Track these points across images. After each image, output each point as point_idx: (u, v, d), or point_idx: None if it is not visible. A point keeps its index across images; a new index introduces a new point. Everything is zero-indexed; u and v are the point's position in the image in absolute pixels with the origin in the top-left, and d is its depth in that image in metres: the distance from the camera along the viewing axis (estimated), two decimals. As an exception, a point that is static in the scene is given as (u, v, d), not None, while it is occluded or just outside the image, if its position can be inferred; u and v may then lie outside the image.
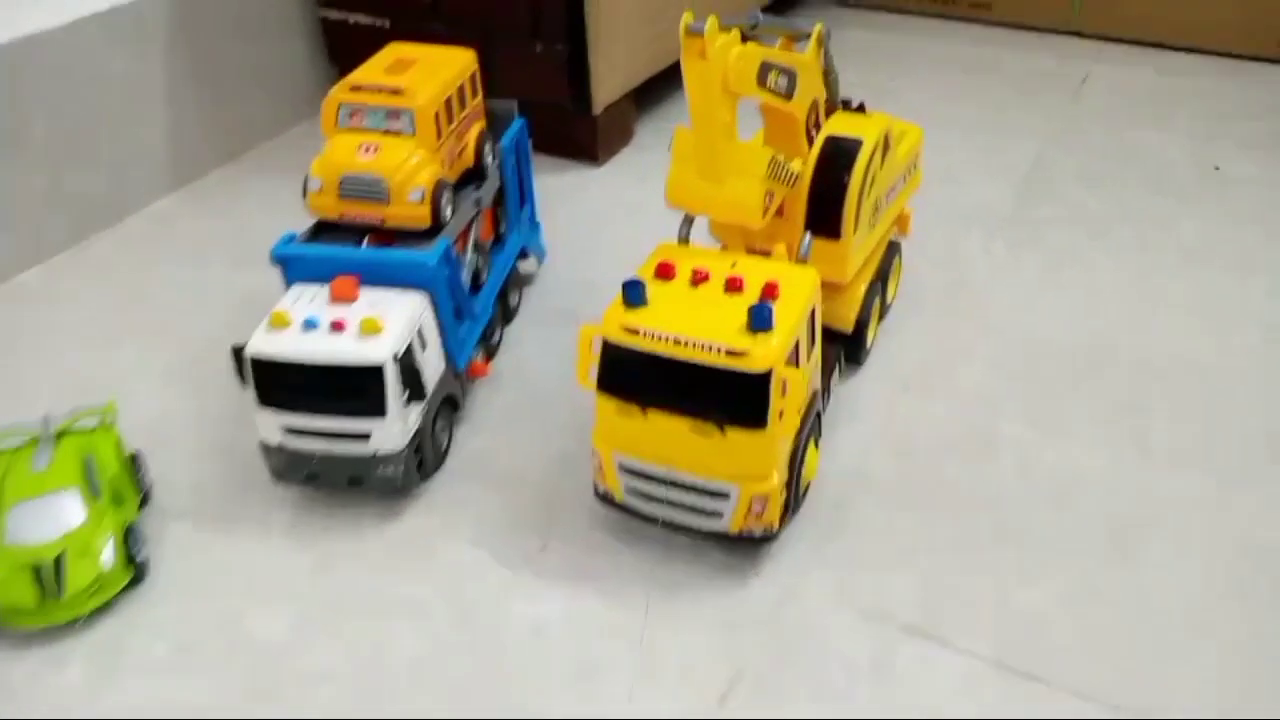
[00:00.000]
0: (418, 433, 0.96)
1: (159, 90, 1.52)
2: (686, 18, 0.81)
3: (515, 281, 1.24)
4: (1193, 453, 1.03)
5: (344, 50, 1.67)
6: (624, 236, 1.39)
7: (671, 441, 0.85)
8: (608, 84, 1.51)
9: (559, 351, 1.13)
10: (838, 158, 1.00)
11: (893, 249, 1.19)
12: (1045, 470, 1.01)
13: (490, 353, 1.16)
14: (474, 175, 1.13)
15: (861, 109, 1.11)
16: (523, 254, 1.27)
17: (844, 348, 1.10)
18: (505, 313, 1.22)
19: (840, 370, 1.09)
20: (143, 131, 1.51)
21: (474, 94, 1.12)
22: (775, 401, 0.82)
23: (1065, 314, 1.24)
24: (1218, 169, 1.55)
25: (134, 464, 0.99)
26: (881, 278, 1.14)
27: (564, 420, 1.07)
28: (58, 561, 0.86)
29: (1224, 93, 1.78)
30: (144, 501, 0.99)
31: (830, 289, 1.05)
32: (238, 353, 0.92)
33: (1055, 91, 1.81)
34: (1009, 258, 1.35)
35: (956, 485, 1.00)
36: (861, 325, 1.10)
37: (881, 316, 1.20)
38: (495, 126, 1.18)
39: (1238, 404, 1.09)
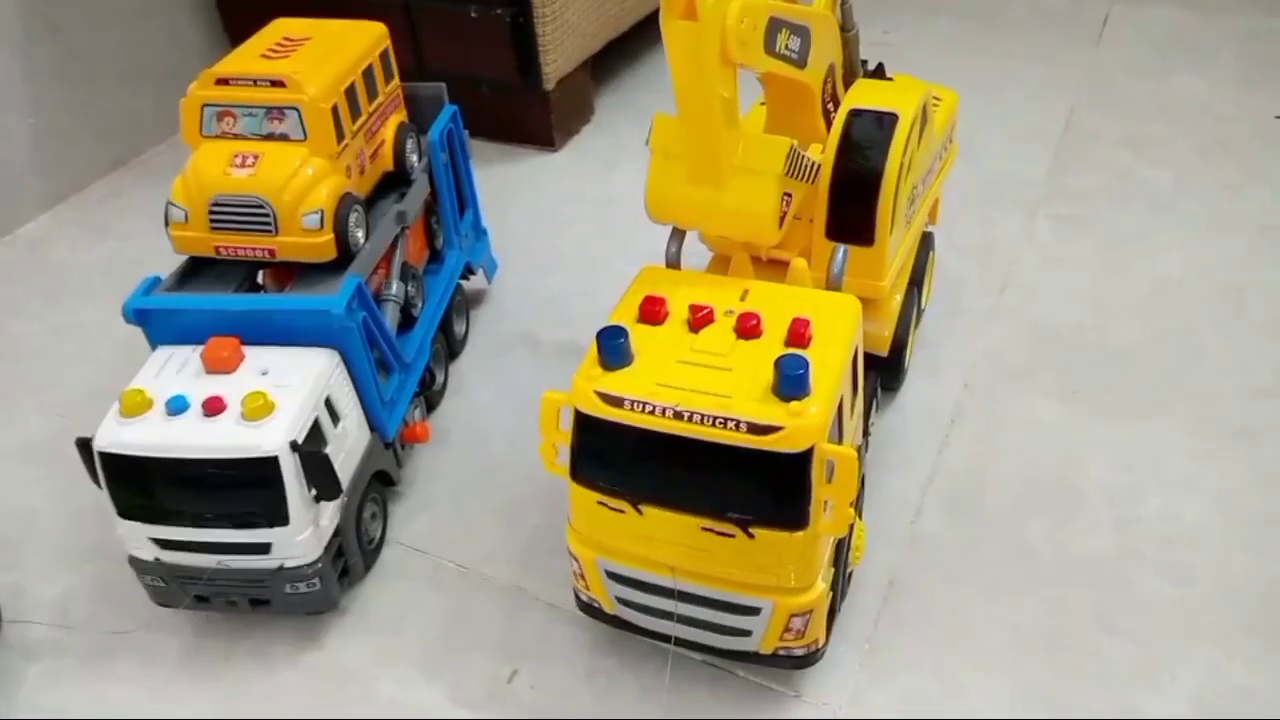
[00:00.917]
0: (337, 533, 0.72)
1: (18, 93, 1.27)
2: (666, -40, 0.57)
3: (459, 307, 1.01)
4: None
5: (242, 29, 1.40)
6: (591, 236, 1.19)
7: (677, 545, 0.63)
8: (560, 53, 1.28)
9: (519, 392, 0.93)
10: (866, 138, 0.76)
11: (926, 244, 0.97)
12: (1149, 526, 0.81)
13: (432, 405, 0.94)
14: (396, 181, 0.89)
15: (881, 72, 0.88)
16: (468, 271, 1.04)
17: (879, 374, 0.87)
18: (449, 348, 0.99)
19: (878, 404, 0.87)
20: (3, 141, 1.25)
21: (387, 78, 0.87)
22: (818, 490, 0.59)
23: (1135, 311, 1.03)
24: (1279, 118, 1.33)
25: (-36, 595, 0.75)
26: (916, 282, 0.92)
27: (532, 488, 0.85)
28: None
29: (1265, 29, 1.56)
30: (-17, 644, 0.75)
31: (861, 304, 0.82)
32: (85, 446, 0.68)
33: (1074, 36, 1.59)
34: (1055, 242, 1.14)
35: (1038, 552, 0.79)
36: (899, 345, 0.88)
37: (916, 325, 0.97)
38: (421, 116, 0.94)
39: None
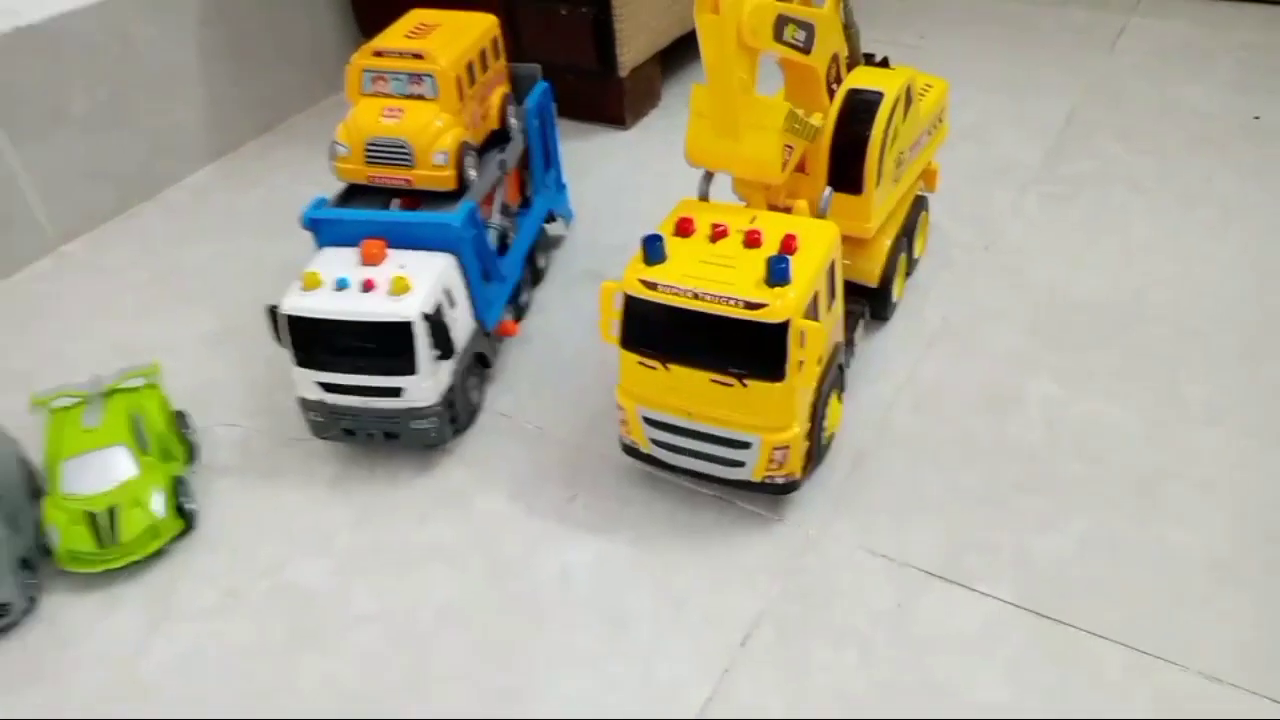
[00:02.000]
0: (450, 389, 0.98)
1: (192, 65, 1.55)
2: (700, -29, 0.82)
3: (543, 244, 1.26)
4: (1227, 410, 1.02)
5: (371, 18, 1.69)
6: (650, 200, 1.39)
7: (693, 393, 0.87)
8: (633, 46, 1.51)
9: (586, 313, 1.15)
10: (858, 111, 1.00)
11: (919, 204, 1.19)
12: (1072, 425, 1.02)
13: (519, 314, 1.19)
14: (499, 138, 1.15)
15: (885, 64, 1.11)
16: (550, 217, 1.29)
17: (869, 303, 1.10)
18: (534, 275, 1.24)
19: (865, 325, 1.10)
20: (178, 105, 1.55)
21: (496, 58, 1.13)
22: (793, 353, 0.83)
23: (1099, 271, 1.22)
24: (1258, 119, 1.52)
25: (180, 422, 1.03)
26: (907, 233, 1.15)
27: (591, 379, 1.09)
28: (111, 511, 0.91)
29: (1265, 43, 1.74)
30: (191, 458, 1.03)
31: (854, 244, 1.06)
32: (273, 311, 0.95)
33: (1090, 45, 1.77)
34: (1041, 214, 1.35)
35: (981, 439, 1.01)
36: (886, 280, 1.10)
37: (909, 272, 1.20)
38: (519, 90, 1.20)
39: (1278, 363, 1.08)
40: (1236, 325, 1.12)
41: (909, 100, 1.05)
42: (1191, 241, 1.27)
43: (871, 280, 1.09)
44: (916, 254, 1.22)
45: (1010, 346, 1.12)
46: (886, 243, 1.09)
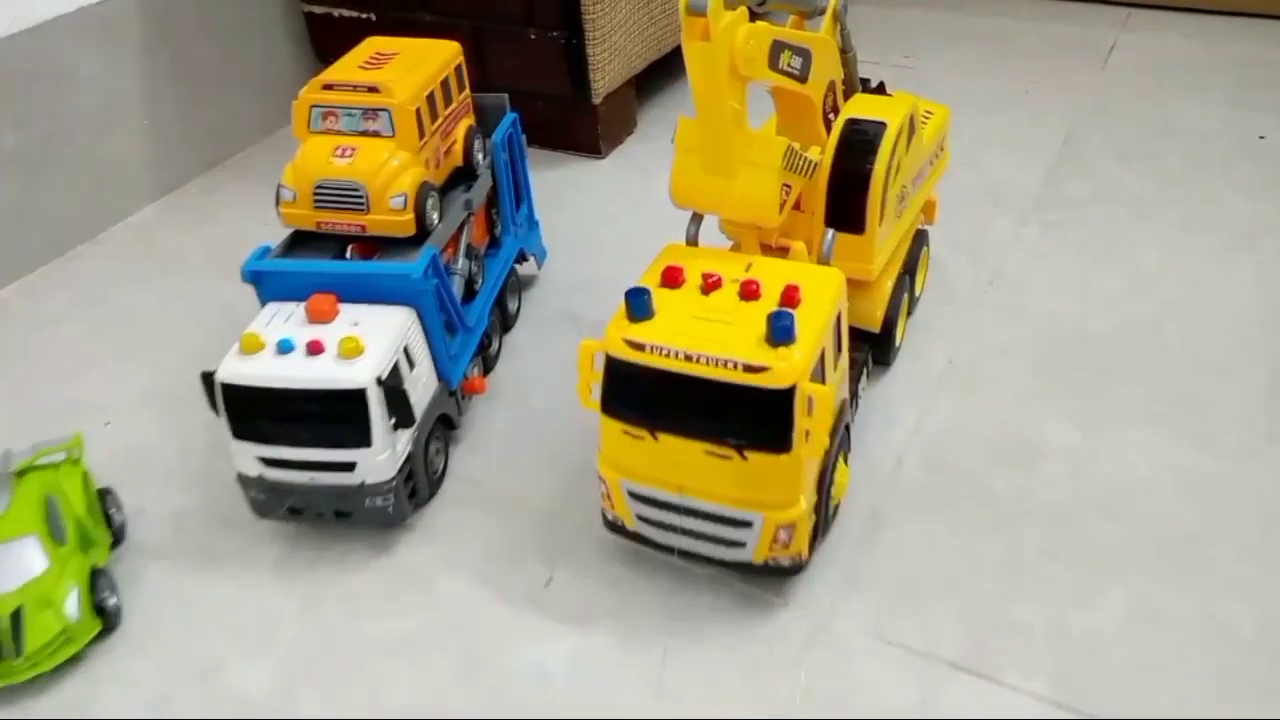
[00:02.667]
0: (408, 459, 0.88)
1: (134, 95, 1.45)
2: (687, -6, 0.72)
3: (513, 286, 1.16)
4: (1260, 452, 0.94)
5: (330, 46, 1.58)
6: (630, 233, 1.33)
7: (686, 466, 0.77)
8: (608, 72, 1.42)
9: (562, 360, 1.05)
10: (859, 144, 0.91)
11: (920, 239, 1.10)
12: (1096, 478, 0.93)
13: (488, 365, 1.08)
14: (464, 175, 1.05)
15: (882, 89, 1.02)
16: (521, 256, 1.19)
17: (872, 348, 1.01)
18: (504, 320, 1.14)
19: (868, 373, 1.00)
20: (119, 138, 1.44)
21: (460, 88, 1.03)
22: (800, 421, 0.73)
23: (1109, 302, 1.14)
24: (1263, 139, 1.45)
25: (104, 501, 0.92)
26: (909, 271, 1.06)
27: (570, 437, 0.99)
28: (15, 616, 0.79)
29: (1263, 57, 1.68)
30: (116, 542, 0.91)
31: (856, 286, 0.96)
32: (208, 379, 0.84)
33: (1082, 62, 1.71)
34: (1044, 242, 1.26)
35: (999, 497, 0.92)
36: (890, 323, 1.01)
37: (910, 312, 1.11)
38: (486, 122, 1.10)
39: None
40: (1265, 359, 1.04)
41: (912, 130, 0.96)
42: (1202, 267, 1.19)
43: (874, 325, 1.00)
44: (918, 291, 1.13)
45: (1022, 387, 1.03)
46: (889, 284, 1.00)
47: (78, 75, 1.37)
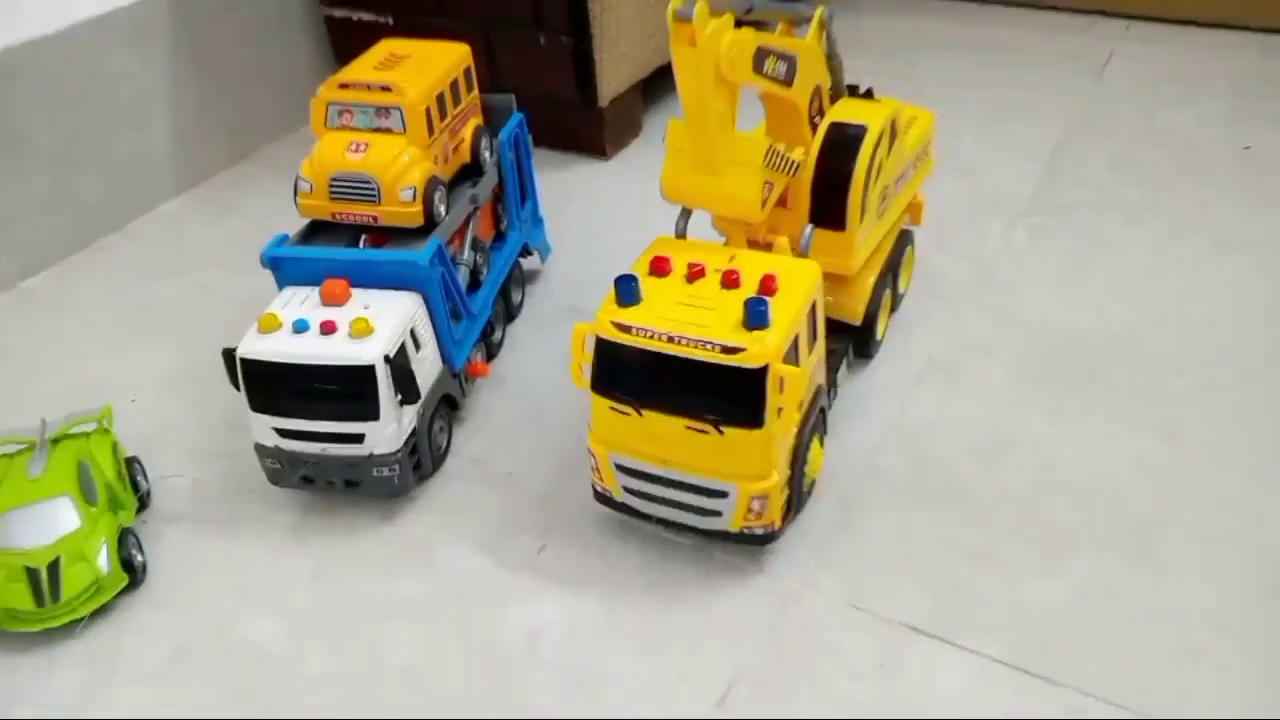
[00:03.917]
0: (413, 434, 0.94)
1: (162, 92, 1.51)
2: (674, 4, 0.77)
3: (517, 279, 1.22)
4: (1224, 450, 0.98)
5: (349, 47, 1.63)
6: (632, 232, 1.35)
7: (668, 441, 0.83)
8: (614, 76, 1.48)
9: (562, 351, 1.09)
10: (841, 145, 0.96)
11: (904, 238, 1.16)
12: (1065, 468, 0.98)
13: (491, 352, 1.15)
14: (471, 171, 1.11)
15: (869, 95, 1.08)
16: (525, 251, 1.25)
17: (853, 341, 1.06)
18: (507, 311, 1.20)
19: (849, 364, 1.06)
20: (147, 134, 1.51)
21: (469, 89, 1.10)
22: (772, 399, 0.79)
23: (1089, 305, 1.19)
24: (1248, 149, 1.49)
25: (131, 468, 0.98)
26: (892, 268, 1.11)
27: (566, 422, 1.05)
28: (52, 566, 0.86)
29: (1254, 70, 1.72)
30: (141, 506, 0.98)
31: (838, 281, 1.02)
32: (229, 355, 0.91)
33: (1078, 72, 1.75)
34: (1030, 246, 1.31)
35: (971, 484, 0.97)
36: (871, 317, 1.06)
37: (894, 309, 1.16)
38: (494, 122, 1.16)
39: (1274, 399, 1.04)
40: (1234, 361, 1.09)
41: (894, 134, 1.02)
42: (1185, 274, 1.23)
43: (855, 319, 1.05)
44: (902, 289, 1.18)
45: (1000, 385, 1.08)
46: (870, 280, 1.06)
47: (108, 74, 1.44)
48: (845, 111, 1.00)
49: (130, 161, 1.49)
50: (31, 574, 0.86)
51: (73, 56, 1.38)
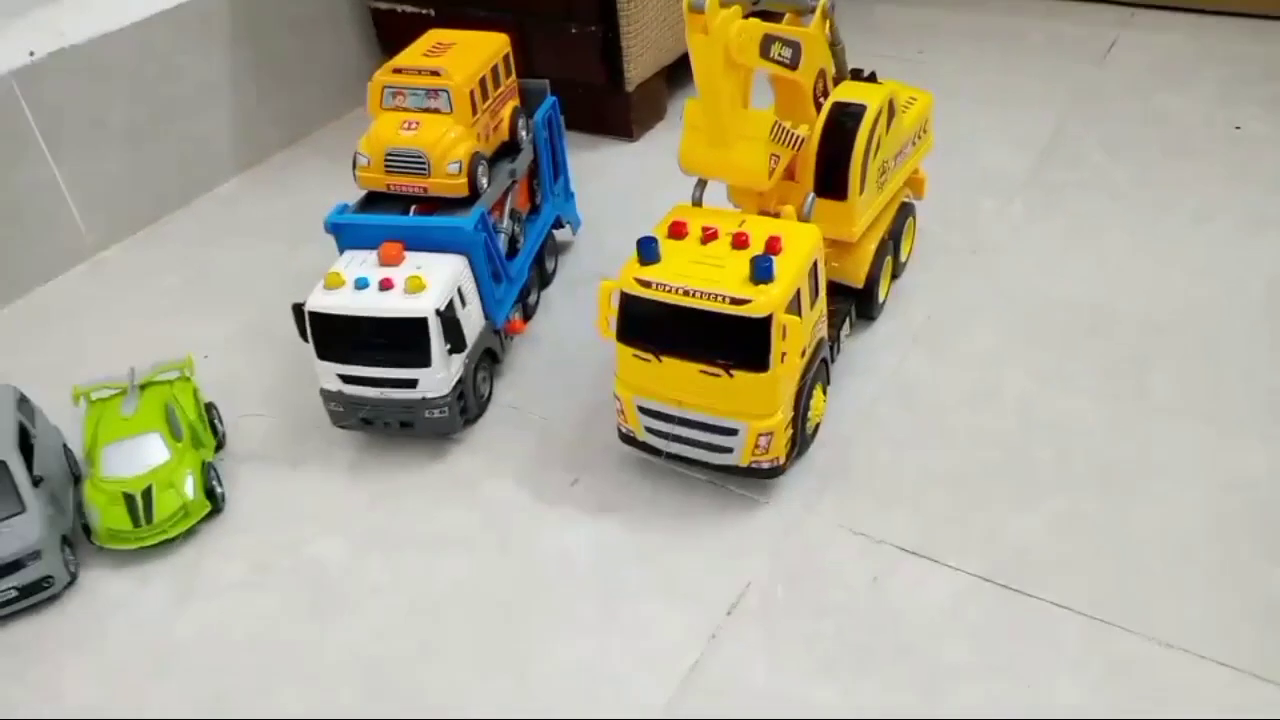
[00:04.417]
0: (460, 381, 1.06)
1: (224, 81, 1.64)
2: (689, -4, 0.89)
3: (551, 248, 1.34)
4: (1191, 402, 1.07)
5: (392, 38, 1.76)
6: (655, 207, 1.45)
7: (684, 384, 0.94)
8: (640, 63, 1.59)
9: (590, 314, 1.19)
10: (843, 122, 1.07)
11: (905, 210, 1.26)
12: (1045, 417, 1.08)
13: (528, 313, 1.26)
14: (509, 149, 1.22)
15: (873, 78, 1.18)
16: (558, 223, 1.37)
17: (856, 302, 1.17)
18: (542, 277, 1.31)
19: (852, 324, 1.16)
20: (210, 120, 1.63)
21: (508, 74, 1.21)
22: (776, 345, 0.90)
23: (1076, 275, 1.28)
24: (1238, 129, 1.57)
25: (210, 412, 1.11)
26: (894, 237, 1.21)
27: (593, 375, 1.16)
28: (147, 492, 0.98)
29: (1251, 55, 1.79)
30: (219, 446, 1.10)
31: (841, 247, 1.13)
32: (298, 309, 1.03)
33: (1081, 58, 1.83)
34: (1024, 221, 1.41)
35: (959, 430, 1.07)
36: (872, 281, 1.17)
37: (895, 275, 1.27)
38: (529, 104, 1.28)
39: (1240, 358, 1.13)
40: (1199, 324, 1.18)
41: (891, 112, 1.12)
42: (1163, 246, 1.32)
43: (857, 281, 1.16)
44: (903, 257, 1.28)
45: (990, 344, 1.18)
46: (871, 246, 1.16)
47: (176, 65, 1.56)
48: (847, 92, 1.10)
49: (194, 144, 1.62)
50: (128, 499, 0.98)
51: (147, 47, 1.51)
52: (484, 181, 1.13)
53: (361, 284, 1.01)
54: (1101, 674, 0.83)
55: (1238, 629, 0.85)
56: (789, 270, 0.91)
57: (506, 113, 1.21)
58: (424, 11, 1.70)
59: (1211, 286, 1.24)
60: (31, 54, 1.38)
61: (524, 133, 1.24)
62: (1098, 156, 1.54)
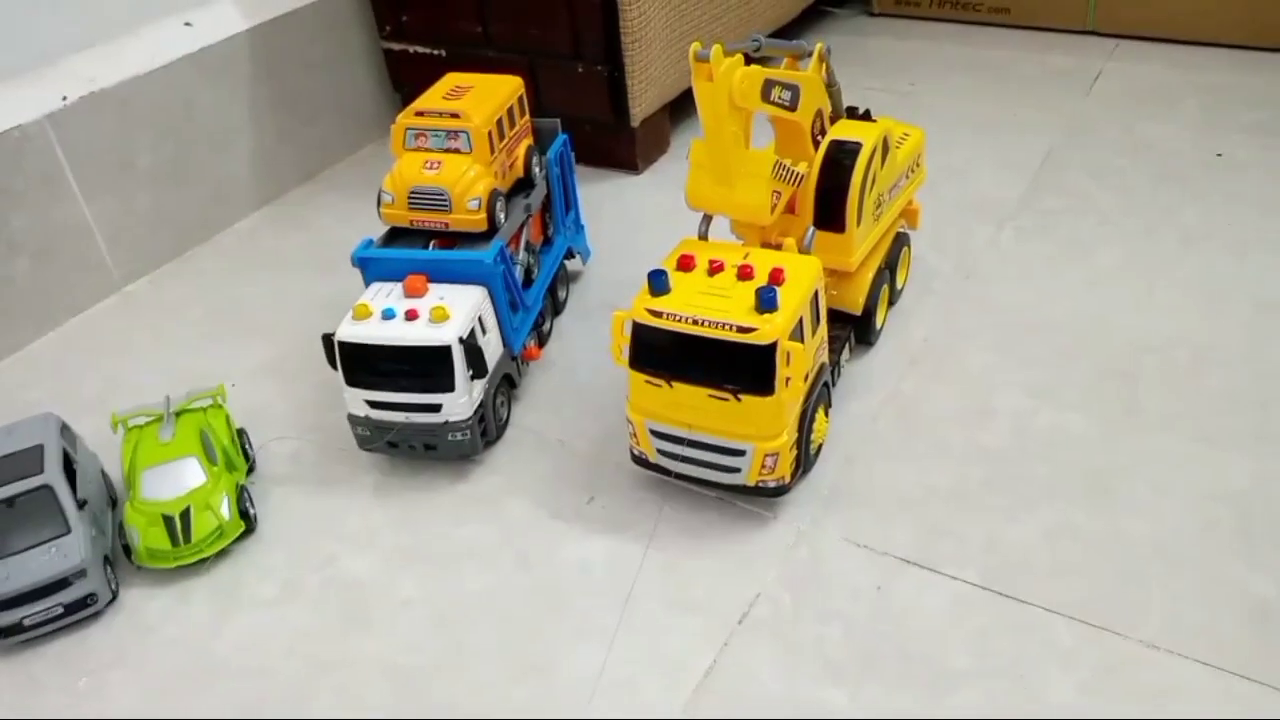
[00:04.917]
0: (481, 405, 1.11)
1: (244, 119, 1.71)
2: (694, 47, 0.95)
3: (563, 278, 1.40)
4: (1178, 417, 1.13)
5: (405, 77, 1.85)
6: (660, 237, 1.51)
7: (694, 408, 1.00)
8: (644, 99, 1.66)
9: (601, 340, 1.26)
10: (840, 159, 1.13)
11: (901, 240, 1.32)
12: (1037, 432, 1.13)
13: (542, 340, 1.32)
14: (524, 185, 1.29)
15: (867, 116, 1.24)
16: (570, 254, 1.43)
17: (854, 329, 1.23)
18: (555, 305, 1.37)
19: (851, 349, 1.22)
20: (231, 158, 1.70)
21: (522, 114, 1.28)
22: (781, 370, 0.96)
23: (1066, 298, 1.34)
24: (1220, 156, 1.64)
25: (241, 437, 1.16)
26: (890, 266, 1.27)
27: (606, 398, 1.22)
28: (184, 514, 1.04)
29: (1232, 84, 1.87)
30: (250, 469, 1.16)
31: (840, 276, 1.19)
32: (328, 339, 1.09)
33: (1069, 89, 1.90)
34: (1016, 246, 1.47)
35: (956, 446, 1.13)
36: (870, 308, 1.23)
37: (892, 302, 1.33)
38: (542, 141, 1.34)
39: (1227, 374, 1.19)
40: (1187, 343, 1.24)
41: (886, 149, 1.18)
42: (1150, 269, 1.39)
43: (856, 309, 1.22)
44: (900, 284, 1.34)
45: (985, 364, 1.24)
46: (869, 275, 1.22)
47: (200, 106, 1.63)
48: (844, 130, 1.17)
49: (216, 181, 1.68)
50: (167, 520, 1.04)
51: (172, 89, 1.58)
52: (501, 216, 1.19)
53: (388, 314, 1.07)
54: (1093, 675, 0.88)
55: (1224, 632, 0.91)
56: (792, 299, 0.97)
57: (521, 151, 1.28)
58: (435, 52, 1.77)
59: (1198, 307, 1.30)
60: (64, 99, 1.45)
61: (537, 169, 1.31)
62: (1086, 183, 1.61)
